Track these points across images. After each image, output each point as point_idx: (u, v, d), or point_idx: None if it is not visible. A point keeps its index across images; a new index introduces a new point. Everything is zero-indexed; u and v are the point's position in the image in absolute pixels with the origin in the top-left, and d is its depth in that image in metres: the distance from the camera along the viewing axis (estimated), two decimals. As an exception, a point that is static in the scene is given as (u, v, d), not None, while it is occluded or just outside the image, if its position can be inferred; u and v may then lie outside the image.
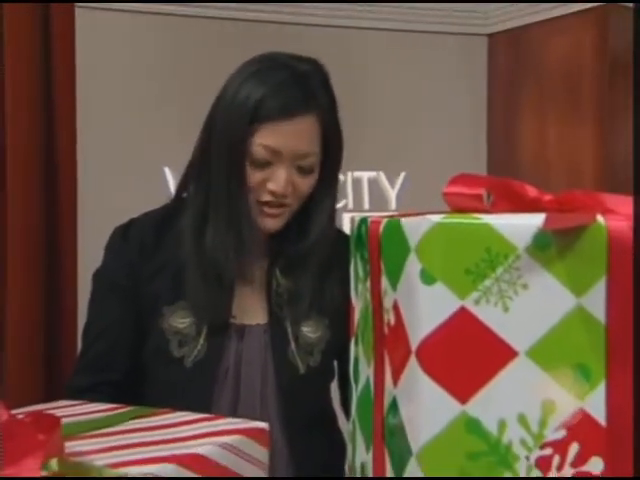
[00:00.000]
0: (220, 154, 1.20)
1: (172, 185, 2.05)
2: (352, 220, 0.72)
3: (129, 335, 1.26)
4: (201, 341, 1.21)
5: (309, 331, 1.25)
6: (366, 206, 2.39)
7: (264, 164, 1.18)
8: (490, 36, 2.80)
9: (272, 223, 1.23)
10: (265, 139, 1.17)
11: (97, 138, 2.02)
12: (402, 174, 2.32)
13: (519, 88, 2.75)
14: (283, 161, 1.18)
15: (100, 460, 0.64)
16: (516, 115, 2.75)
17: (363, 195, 2.32)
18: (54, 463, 0.60)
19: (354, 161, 2.37)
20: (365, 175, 2.25)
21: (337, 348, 1.27)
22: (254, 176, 1.19)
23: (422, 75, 2.65)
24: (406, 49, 2.63)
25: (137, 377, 1.26)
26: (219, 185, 1.21)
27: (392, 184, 2.44)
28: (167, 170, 2.01)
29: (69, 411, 0.80)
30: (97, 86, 2.12)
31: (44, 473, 0.58)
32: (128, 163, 2.21)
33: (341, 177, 2.36)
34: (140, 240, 1.26)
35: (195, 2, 2.35)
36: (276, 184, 1.18)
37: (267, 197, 1.20)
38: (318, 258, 1.25)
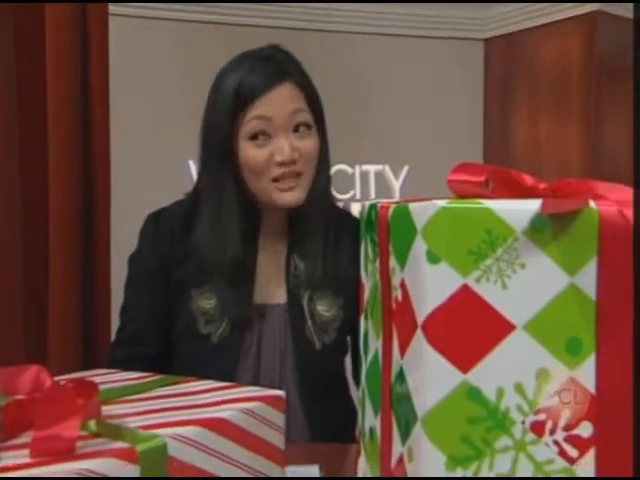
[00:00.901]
0: (215, 147, 1.21)
1: (195, 176, 2.06)
2: (362, 206, 0.71)
3: (161, 315, 1.27)
4: (226, 320, 1.22)
5: (324, 310, 1.24)
6: (372, 196, 2.39)
7: (263, 138, 1.17)
8: (486, 41, 2.79)
9: (291, 196, 1.19)
10: (255, 112, 1.16)
11: (129, 134, 2.02)
12: (405, 167, 2.31)
13: (513, 89, 2.74)
14: (278, 129, 1.17)
15: (133, 423, 0.64)
16: (510, 114, 2.74)
17: (370, 186, 2.32)
18: (92, 424, 0.61)
19: (362, 156, 2.40)
20: (372, 168, 2.24)
21: (350, 326, 1.27)
22: (259, 154, 1.17)
23: (424, 77, 2.64)
24: (410, 53, 2.62)
25: (168, 352, 1.27)
26: (210, 180, 1.23)
27: (396, 177, 2.44)
28: (191, 163, 2.01)
29: (106, 378, 0.80)
30: (128, 88, 2.12)
31: (83, 433, 0.58)
32: (156, 156, 2.21)
33: (349, 170, 2.42)
34: (170, 229, 1.26)
35: (204, 1, 2.37)
36: (281, 153, 1.16)
37: (278, 170, 1.17)
38: (327, 234, 1.25)
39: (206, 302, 1.22)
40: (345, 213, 1.39)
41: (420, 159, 2.44)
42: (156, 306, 1.26)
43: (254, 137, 1.17)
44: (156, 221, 1.29)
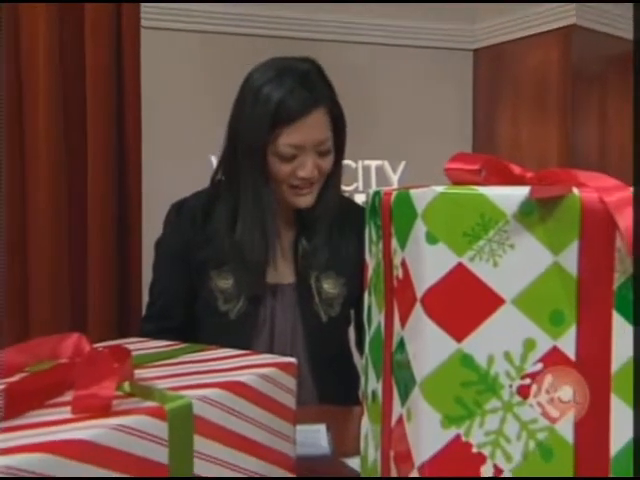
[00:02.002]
0: (247, 153, 1.19)
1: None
2: (367, 194, 0.71)
3: (184, 293, 1.27)
4: (242, 298, 1.22)
5: (329, 288, 1.25)
6: (374, 188, 2.38)
7: (291, 158, 1.17)
8: (475, 51, 2.78)
9: (304, 200, 1.22)
10: (289, 139, 1.16)
11: (157, 132, 2.02)
12: (402, 163, 2.31)
13: (498, 94, 2.74)
14: (306, 152, 1.17)
15: (162, 385, 0.64)
16: (496, 116, 2.73)
17: (371, 179, 2.31)
18: (126, 385, 0.61)
19: (364, 152, 2.38)
20: (373, 163, 2.24)
21: (352, 301, 1.27)
22: (285, 169, 1.18)
23: (419, 83, 2.64)
24: (407, 62, 2.62)
25: (191, 325, 1.27)
26: (246, 181, 1.21)
27: (394, 171, 2.43)
28: (212, 158, 2.00)
29: (138, 346, 0.80)
30: (158, 91, 2.12)
31: (118, 393, 0.58)
32: (181, 152, 2.21)
33: (353, 165, 2.41)
34: (192, 217, 1.26)
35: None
36: (305, 171, 1.18)
37: (298, 182, 1.20)
38: (332, 223, 1.25)
39: (224, 282, 1.22)
40: (350, 202, 1.40)
41: (415, 156, 2.43)
42: (179, 286, 1.27)
43: (282, 156, 1.18)
44: (178, 210, 1.29)
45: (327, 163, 1.22)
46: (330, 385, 1.23)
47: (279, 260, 1.27)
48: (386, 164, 2.37)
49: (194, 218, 1.26)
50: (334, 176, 1.27)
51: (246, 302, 1.22)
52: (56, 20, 1.71)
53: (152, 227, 1.43)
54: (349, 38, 2.41)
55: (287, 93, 1.15)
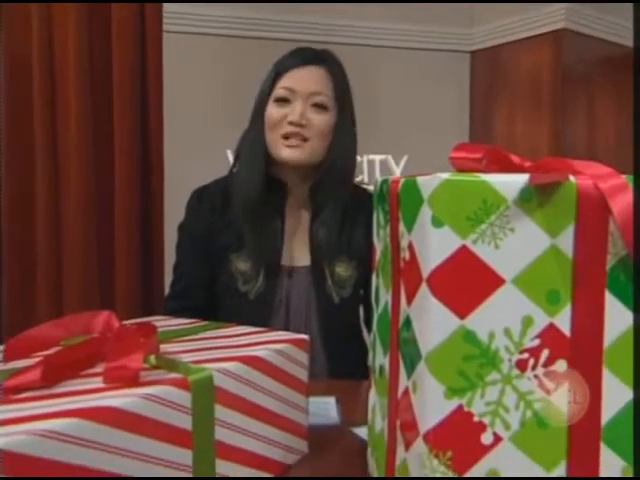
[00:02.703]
0: (253, 113, 1.24)
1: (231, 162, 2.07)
2: (375, 182, 0.70)
3: (204, 275, 1.26)
4: (260, 280, 1.21)
5: (341, 271, 1.24)
6: (380, 179, 2.37)
7: (285, 101, 1.18)
8: (472, 53, 2.76)
9: (292, 153, 1.18)
10: (284, 82, 1.19)
11: (178, 128, 2.01)
12: (405, 157, 2.30)
13: (494, 93, 2.72)
14: (298, 98, 1.18)
15: (185, 358, 0.64)
16: (492, 114, 2.72)
17: (376, 172, 2.29)
18: (152, 358, 0.61)
19: (369, 147, 2.38)
20: (377, 158, 2.22)
21: (362, 282, 1.26)
22: (278, 112, 1.19)
23: (420, 83, 2.64)
24: (409, 63, 2.62)
25: (212, 304, 1.27)
26: (248, 135, 1.24)
27: (397, 164, 2.42)
28: (229, 152, 2.00)
29: (163, 323, 0.81)
30: (179, 90, 2.11)
31: (145, 365, 0.58)
32: (200, 146, 2.20)
33: (359, 158, 2.39)
34: (211, 203, 1.26)
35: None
36: (293, 115, 1.17)
37: (287, 128, 1.17)
38: (345, 209, 1.23)
39: (243, 264, 1.21)
40: (362, 190, 1.36)
41: (417, 150, 2.42)
42: (200, 269, 1.26)
43: (278, 100, 1.19)
44: (199, 196, 1.28)
45: (322, 119, 1.19)
46: (341, 360, 1.22)
47: (293, 243, 1.26)
48: (389, 158, 2.36)
49: (214, 204, 1.25)
50: (338, 141, 1.22)
51: (264, 283, 1.21)
52: (85, 21, 1.71)
53: (173, 216, 1.43)
54: (356, 41, 2.42)
55: (289, 55, 1.23)
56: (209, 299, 1.26)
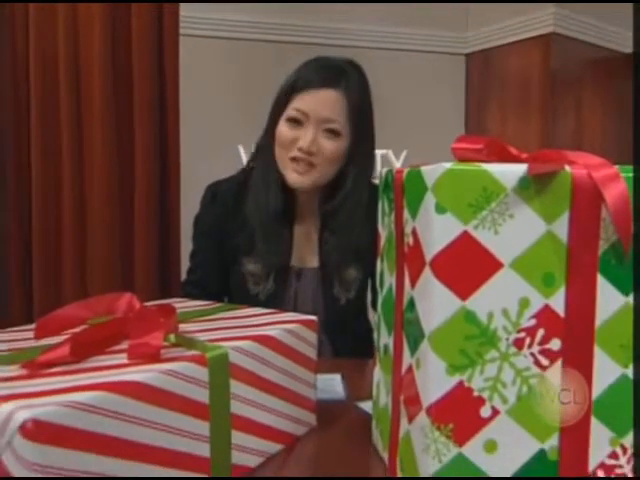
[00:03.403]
0: (269, 124, 1.15)
1: (244, 157, 2.06)
2: (380, 173, 0.69)
3: (218, 266, 1.22)
4: (270, 281, 1.17)
5: (348, 274, 1.19)
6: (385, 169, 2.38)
7: (297, 123, 1.09)
8: (467, 55, 2.74)
9: (298, 179, 1.11)
10: (297, 103, 1.09)
11: (193, 124, 2.01)
12: (404, 152, 2.29)
13: (487, 93, 2.70)
14: (311, 123, 1.08)
15: (202, 337, 0.63)
16: (485, 113, 2.70)
17: (377, 166, 2.27)
18: (172, 337, 0.61)
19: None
20: (379, 152, 2.21)
21: (366, 280, 1.23)
22: (288, 133, 1.09)
23: (419, 83, 2.62)
24: (408, 64, 2.60)
25: (226, 292, 1.24)
26: (263, 146, 1.17)
27: (397, 158, 2.40)
28: (240, 148, 1.99)
29: (181, 305, 0.80)
30: (195, 89, 2.11)
31: (165, 343, 0.58)
32: (214, 143, 2.19)
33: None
34: (224, 204, 1.20)
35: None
36: (303, 141, 1.08)
37: (296, 153, 1.09)
38: (352, 214, 1.14)
39: (254, 266, 1.17)
40: (371, 186, 1.21)
41: (415, 145, 2.40)
42: (214, 260, 1.22)
43: (290, 120, 1.10)
44: (213, 194, 1.22)
45: (332, 146, 1.09)
46: (347, 349, 1.20)
47: (303, 246, 1.21)
48: (390, 152, 2.34)
49: (226, 204, 1.20)
50: (352, 168, 1.14)
51: (273, 285, 1.17)
52: (108, 25, 1.71)
53: (189, 208, 1.41)
54: (360, 44, 2.39)
55: (310, 70, 1.11)
56: (223, 286, 1.24)
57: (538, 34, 2.51)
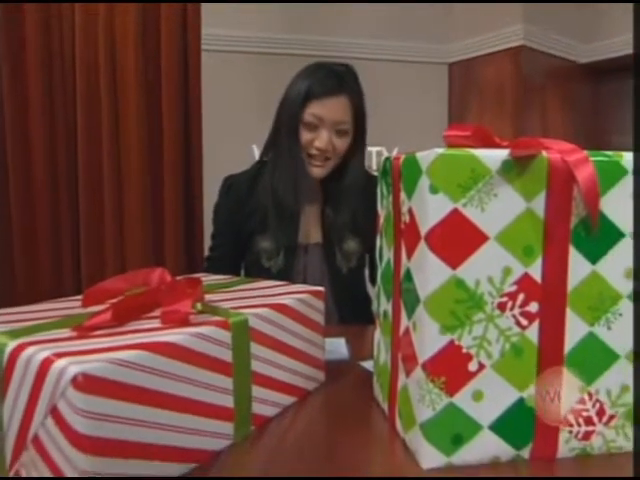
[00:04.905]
0: (285, 124, 1.14)
1: (256, 154, 2.04)
2: (379, 160, 0.68)
3: (235, 247, 1.23)
4: (281, 256, 1.17)
5: (348, 246, 1.20)
6: (374, 167, 2.37)
7: (313, 127, 1.12)
8: (450, 65, 2.72)
9: (317, 171, 1.16)
10: (313, 109, 1.11)
11: (215, 125, 2.00)
12: (396, 148, 2.26)
13: (467, 97, 2.69)
14: (325, 126, 1.12)
15: (225, 305, 0.63)
16: (465, 114, 2.69)
17: (372, 161, 2.24)
18: (199, 305, 0.60)
19: (367, 140, 2.35)
20: (374, 149, 2.19)
21: (365, 252, 1.24)
22: (306, 136, 1.13)
23: (407, 89, 2.61)
24: (398, 73, 2.58)
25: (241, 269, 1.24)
26: (282, 144, 1.15)
27: (390, 154, 2.40)
28: (254, 147, 1.97)
29: (205, 278, 0.80)
30: (215, 97, 2.10)
31: (193, 310, 0.57)
32: (231, 142, 2.17)
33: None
34: (237, 195, 1.21)
35: None
36: (320, 142, 1.12)
37: (314, 151, 1.13)
38: (352, 197, 1.18)
39: (267, 243, 1.17)
40: (368, 174, 1.28)
41: (405, 143, 2.36)
42: (231, 241, 1.22)
43: (307, 124, 1.13)
44: (228, 188, 1.23)
45: (342, 143, 1.14)
46: (352, 318, 1.20)
47: (310, 224, 1.22)
48: (384, 149, 2.34)
49: (239, 195, 1.20)
50: (355, 159, 1.19)
51: (284, 259, 1.17)
52: (140, 35, 1.70)
53: (210, 197, 1.40)
54: (361, 55, 2.38)
55: (317, 81, 1.12)
56: (238, 263, 1.24)
57: (510, 47, 2.51)
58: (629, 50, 2.52)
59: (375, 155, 2.11)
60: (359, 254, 1.22)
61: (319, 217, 1.22)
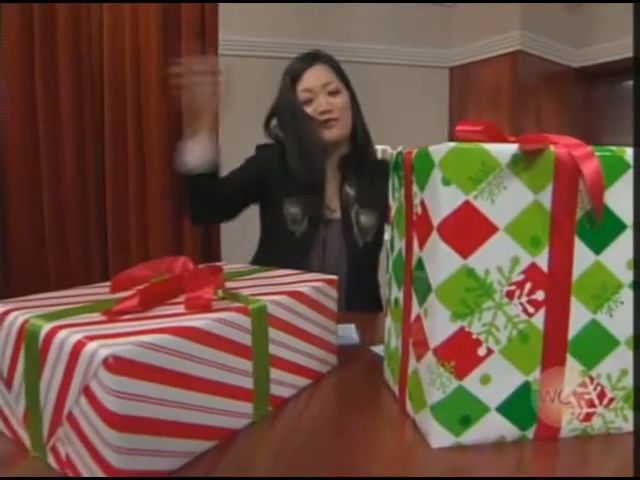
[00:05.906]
0: (289, 113, 1.16)
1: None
2: (390, 155, 0.66)
3: (240, 188, 1.18)
4: (305, 223, 1.16)
5: (365, 221, 1.19)
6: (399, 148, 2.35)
7: (309, 101, 1.16)
8: (450, 69, 2.69)
9: (331, 133, 1.16)
10: (302, 85, 1.16)
11: (229, 123, 1.98)
12: (400, 147, 2.25)
13: (467, 100, 2.66)
14: (317, 93, 1.15)
15: (245, 292, 0.62)
16: (465, 115, 2.65)
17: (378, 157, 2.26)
18: (220, 292, 0.59)
19: (373, 139, 2.33)
20: (380, 147, 2.17)
21: (382, 229, 1.23)
22: (309, 109, 1.16)
23: (411, 92, 2.58)
24: (403, 76, 2.55)
25: (234, 210, 1.20)
26: (296, 128, 1.16)
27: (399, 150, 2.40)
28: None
29: (226, 267, 0.78)
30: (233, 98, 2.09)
31: (215, 297, 0.56)
32: (247, 144, 2.16)
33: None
34: (270, 157, 1.20)
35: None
36: (319, 106, 1.15)
37: (322, 117, 1.15)
38: (367, 172, 1.19)
39: (293, 208, 1.16)
40: (380, 160, 1.32)
41: (409, 142, 2.35)
42: (241, 183, 1.18)
43: (305, 102, 1.16)
44: (263, 148, 1.25)
45: (339, 100, 1.16)
46: (364, 291, 1.19)
47: (331, 201, 1.21)
48: (389, 147, 2.32)
49: (272, 157, 1.19)
50: (356, 114, 1.20)
51: (308, 226, 1.16)
52: (162, 42, 1.69)
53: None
54: (368, 60, 2.36)
55: (294, 63, 1.19)
56: (231, 204, 1.18)
57: (507, 51, 2.48)
58: (621, 55, 2.49)
59: (380, 152, 2.09)
60: (375, 229, 1.20)
61: (339, 194, 1.21)
